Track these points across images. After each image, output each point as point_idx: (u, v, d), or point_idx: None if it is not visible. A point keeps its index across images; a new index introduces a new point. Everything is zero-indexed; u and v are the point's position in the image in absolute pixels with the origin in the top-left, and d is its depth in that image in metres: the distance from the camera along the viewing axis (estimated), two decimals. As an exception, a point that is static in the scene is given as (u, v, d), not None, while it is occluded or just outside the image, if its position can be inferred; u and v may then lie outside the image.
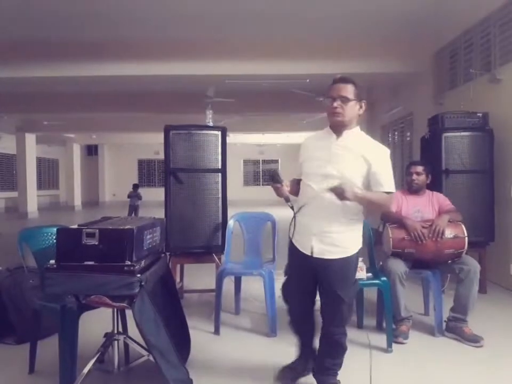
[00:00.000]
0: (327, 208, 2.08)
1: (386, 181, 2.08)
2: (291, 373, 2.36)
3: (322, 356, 2.26)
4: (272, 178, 2.16)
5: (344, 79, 2.12)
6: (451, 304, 3.05)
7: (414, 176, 3.25)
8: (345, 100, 2.07)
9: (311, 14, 5.13)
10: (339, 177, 2.05)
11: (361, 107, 2.13)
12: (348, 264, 2.13)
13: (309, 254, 2.14)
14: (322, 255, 2.11)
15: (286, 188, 2.15)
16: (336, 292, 2.10)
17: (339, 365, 2.26)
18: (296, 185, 2.27)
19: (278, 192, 2.15)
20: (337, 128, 2.14)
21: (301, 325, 2.37)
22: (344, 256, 2.11)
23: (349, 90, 2.08)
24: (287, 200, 2.16)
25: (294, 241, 2.24)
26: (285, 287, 2.35)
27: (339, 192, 1.97)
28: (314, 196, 2.11)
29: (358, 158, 2.08)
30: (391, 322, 2.85)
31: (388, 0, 4.77)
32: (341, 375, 2.48)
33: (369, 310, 3.28)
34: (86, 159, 19.55)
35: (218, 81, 7.05)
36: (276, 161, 20.71)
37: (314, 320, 2.35)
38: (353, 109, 2.10)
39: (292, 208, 2.20)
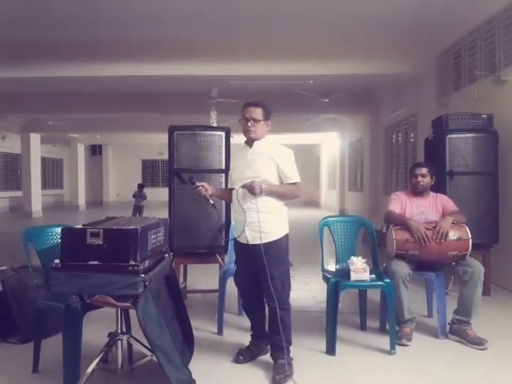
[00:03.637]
0: (246, 202, 2.53)
1: (292, 174, 2.58)
2: (247, 354, 2.67)
3: (270, 333, 2.59)
4: (190, 182, 2.66)
5: (254, 104, 2.61)
6: (455, 306, 3.04)
7: (419, 178, 3.23)
8: (257, 121, 2.57)
9: (315, 15, 5.13)
10: (256, 177, 2.50)
11: (267, 125, 2.64)
12: (275, 245, 2.54)
13: (245, 243, 2.56)
14: (253, 241, 2.53)
15: (204, 189, 2.60)
16: (267, 269, 2.47)
17: (287, 342, 2.53)
18: (229, 193, 2.72)
19: (198, 192, 2.61)
20: (251, 141, 2.63)
21: (253, 306, 2.74)
22: (272, 239, 2.53)
23: (258, 113, 2.58)
24: (207, 199, 2.64)
25: (234, 234, 2.69)
26: (235, 276, 2.80)
27: (250, 189, 2.46)
28: (240, 194, 2.55)
29: (267, 160, 2.56)
30: (394, 324, 2.84)
31: (391, 2, 4.76)
32: (343, 375, 2.48)
33: (373, 311, 3.27)
34: (90, 159, 19.62)
35: (222, 82, 7.06)
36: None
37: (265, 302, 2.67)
38: (262, 127, 2.61)
39: (213, 206, 2.71)
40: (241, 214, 2.55)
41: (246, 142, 2.68)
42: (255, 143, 2.63)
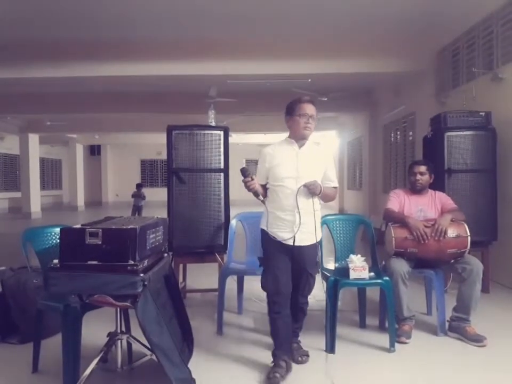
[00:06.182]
0: (301, 202, 2.45)
1: (335, 178, 2.65)
2: (280, 371, 2.36)
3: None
4: (243, 174, 2.46)
5: (312, 101, 2.60)
6: (454, 303, 3.04)
7: (418, 176, 3.23)
8: (314, 119, 2.56)
9: (313, 13, 5.13)
10: (307, 177, 2.46)
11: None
12: (316, 247, 2.62)
13: (291, 244, 2.46)
14: (301, 242, 2.49)
15: (256, 183, 2.46)
16: (308, 270, 2.55)
17: (300, 328, 2.74)
18: (262, 188, 2.57)
19: (249, 186, 2.44)
20: (299, 139, 2.57)
21: (290, 311, 2.54)
22: (315, 242, 2.56)
23: (314, 111, 2.57)
24: (257, 194, 2.50)
25: (271, 233, 2.53)
26: (267, 278, 2.52)
27: (312, 188, 2.42)
28: (290, 194, 2.46)
29: (318, 161, 2.57)
30: (393, 322, 2.84)
31: (390, 0, 4.75)
32: (343, 373, 2.46)
33: (372, 309, 3.27)
34: (89, 159, 19.56)
35: (220, 81, 7.04)
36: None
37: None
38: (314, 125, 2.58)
39: (263, 202, 2.54)
40: (291, 213, 2.45)
41: (291, 138, 2.60)
42: (306, 142, 2.58)
